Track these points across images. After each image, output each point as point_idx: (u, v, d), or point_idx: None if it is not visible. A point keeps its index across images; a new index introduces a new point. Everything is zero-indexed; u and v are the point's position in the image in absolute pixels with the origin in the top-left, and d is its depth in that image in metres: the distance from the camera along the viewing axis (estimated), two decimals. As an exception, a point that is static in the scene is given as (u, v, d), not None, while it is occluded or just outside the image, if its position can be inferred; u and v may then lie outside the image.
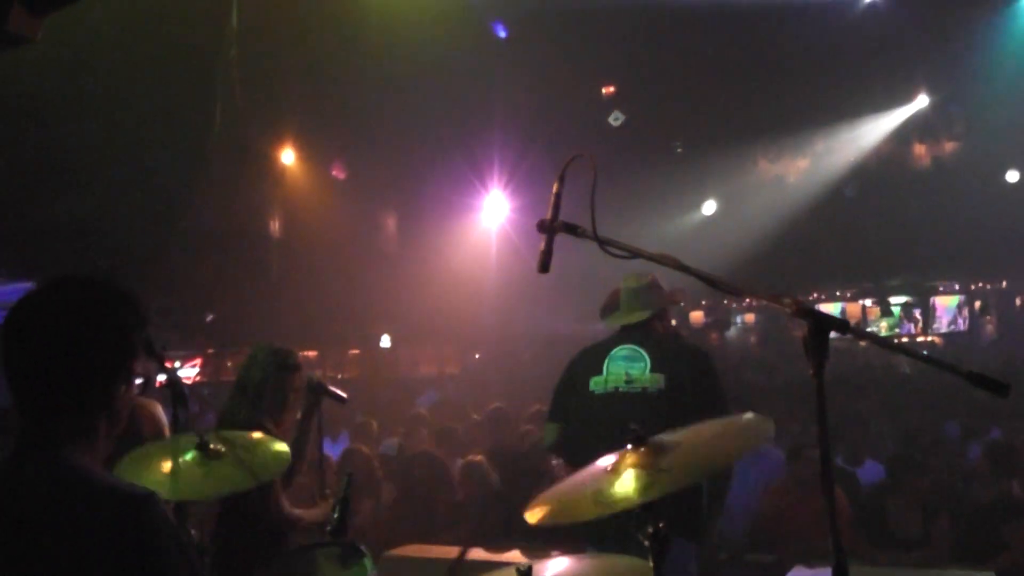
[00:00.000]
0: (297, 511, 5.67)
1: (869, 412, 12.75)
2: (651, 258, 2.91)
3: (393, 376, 23.76)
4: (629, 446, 3.02)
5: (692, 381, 5.86)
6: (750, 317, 31.73)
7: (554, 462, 8.48)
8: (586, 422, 6.04)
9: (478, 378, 21.77)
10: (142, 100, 14.14)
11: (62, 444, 2.49)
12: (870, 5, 18.05)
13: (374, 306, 21.66)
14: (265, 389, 5.69)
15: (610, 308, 6.40)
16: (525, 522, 3.09)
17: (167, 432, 5.66)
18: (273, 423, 5.63)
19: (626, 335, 6.19)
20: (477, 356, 26.34)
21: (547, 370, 18.43)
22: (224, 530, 5.51)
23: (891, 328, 29.97)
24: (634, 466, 2.96)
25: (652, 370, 5.92)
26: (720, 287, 2.86)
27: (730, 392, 6.05)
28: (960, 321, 30.07)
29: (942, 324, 30.29)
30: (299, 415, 5.95)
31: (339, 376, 23.76)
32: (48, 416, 2.52)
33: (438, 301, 20.85)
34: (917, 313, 30.43)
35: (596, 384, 6.06)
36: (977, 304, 30.11)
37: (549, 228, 3.09)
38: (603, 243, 2.97)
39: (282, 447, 4.48)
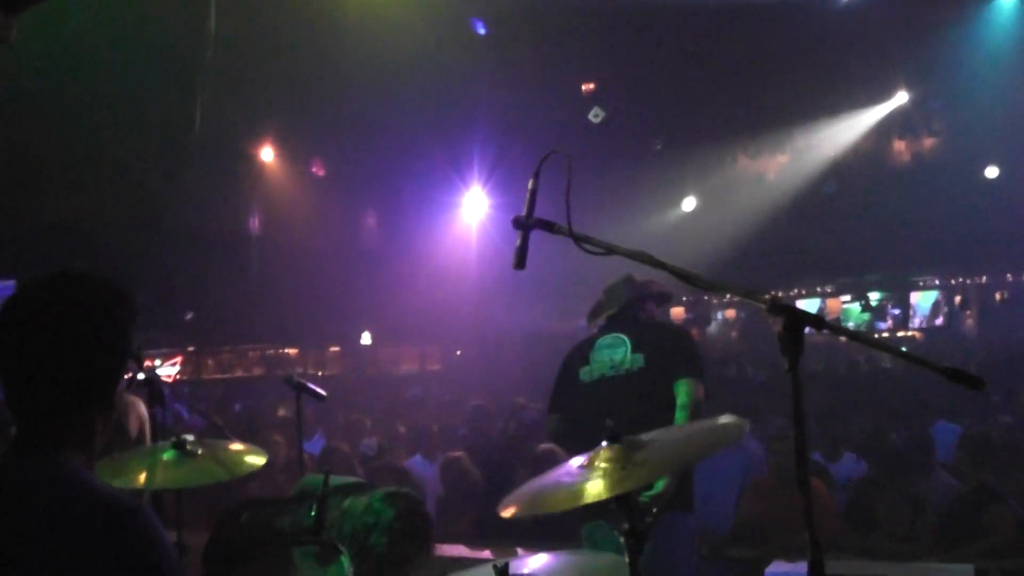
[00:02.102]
0: None
1: (847, 406, 12.82)
2: (626, 254, 2.91)
3: (374, 373, 23.77)
4: (604, 443, 3.04)
5: (668, 352, 6.02)
6: (731, 313, 31.82)
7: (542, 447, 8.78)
8: (579, 412, 6.19)
9: (460, 375, 21.78)
10: (121, 101, 14.12)
11: (58, 447, 2.41)
12: (849, 2, 18.03)
13: (354, 303, 21.68)
14: (391, 559, 4.50)
15: (595, 313, 6.60)
16: (505, 519, 3.10)
17: (147, 429, 5.59)
18: None
19: (609, 326, 6.39)
20: (458, 353, 26.36)
21: (528, 366, 18.51)
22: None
23: (858, 324, 29.93)
24: (608, 461, 2.98)
25: (632, 351, 6.10)
26: (696, 283, 2.86)
27: (711, 386, 6.12)
28: (939, 317, 30.12)
29: (915, 320, 30.35)
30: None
31: (320, 374, 23.77)
32: (45, 417, 2.43)
33: (419, 298, 20.86)
34: (890, 309, 30.46)
35: (584, 374, 6.25)
36: (957, 299, 30.21)
37: (524, 225, 3.10)
38: (578, 239, 2.97)
39: (258, 458, 4.48)
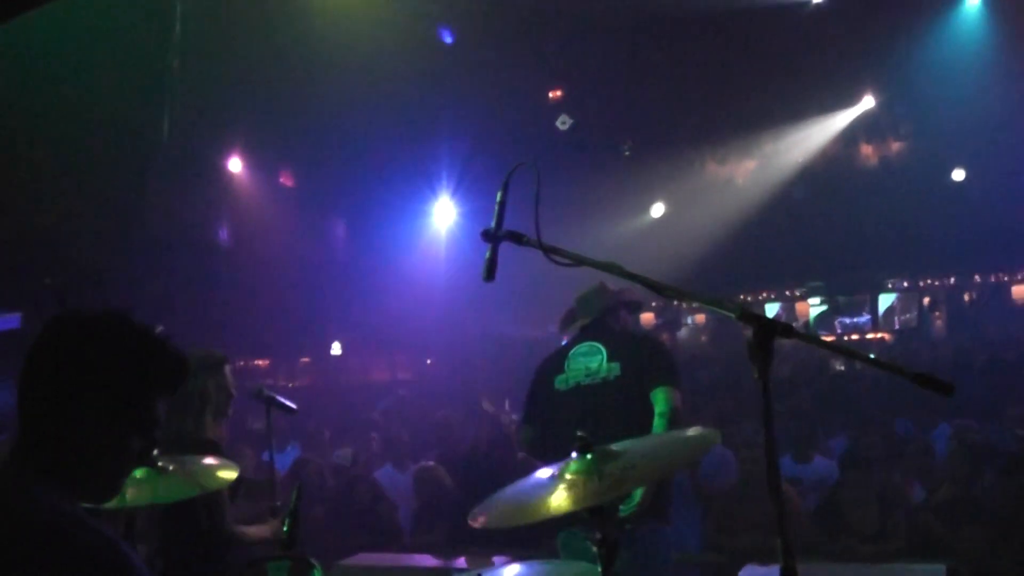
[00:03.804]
0: (243, 528, 5.48)
1: (818, 408, 12.84)
2: (596, 265, 2.92)
3: (345, 383, 23.69)
4: (575, 453, 3.03)
5: (644, 362, 6.04)
6: (700, 318, 31.75)
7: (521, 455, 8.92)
8: (554, 420, 6.20)
9: (431, 383, 21.74)
10: (88, 112, 14.03)
11: (40, 478, 2.40)
12: (816, 7, 18.08)
13: (324, 313, 21.59)
14: (206, 396, 5.49)
15: (567, 322, 6.64)
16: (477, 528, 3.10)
17: None
18: (217, 427, 5.50)
19: (584, 335, 6.40)
20: (429, 362, 26.29)
21: (499, 373, 18.48)
22: (168, 545, 5.38)
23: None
24: (578, 472, 2.97)
25: (608, 360, 6.11)
26: (665, 293, 2.86)
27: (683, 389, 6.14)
28: (895, 322, 30.14)
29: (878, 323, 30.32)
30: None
31: (291, 385, 23.66)
32: (30, 445, 2.44)
33: (388, 307, 20.81)
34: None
35: (560, 382, 6.25)
36: (926, 301, 30.28)
37: (494, 237, 3.10)
38: (548, 251, 2.97)
39: (230, 473, 4.47)
